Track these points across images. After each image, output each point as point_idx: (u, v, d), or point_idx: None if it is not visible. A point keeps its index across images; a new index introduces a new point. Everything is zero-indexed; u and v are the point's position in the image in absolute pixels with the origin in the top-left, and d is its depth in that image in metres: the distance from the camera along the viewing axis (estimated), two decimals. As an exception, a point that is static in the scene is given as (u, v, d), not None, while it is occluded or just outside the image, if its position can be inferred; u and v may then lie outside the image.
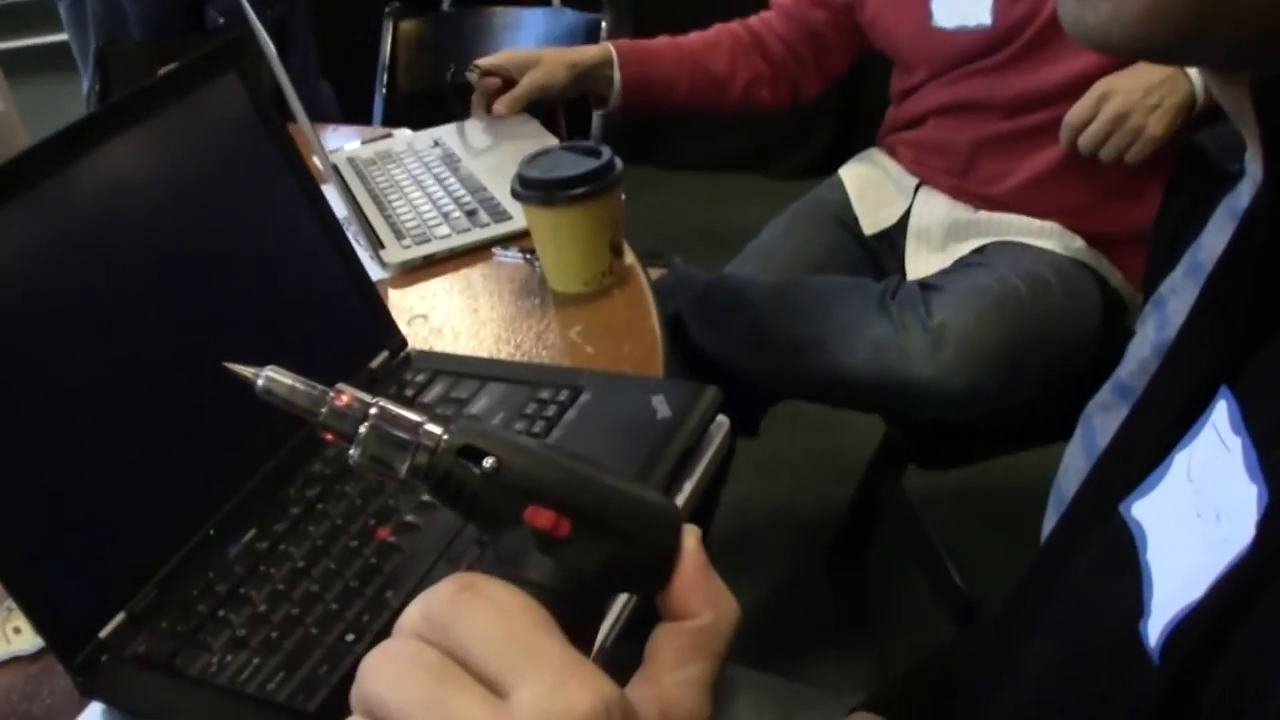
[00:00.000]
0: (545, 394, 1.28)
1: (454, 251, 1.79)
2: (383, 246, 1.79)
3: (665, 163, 4.26)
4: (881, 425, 2.59)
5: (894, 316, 2.02)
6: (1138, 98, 1.96)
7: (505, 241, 1.80)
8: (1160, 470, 0.69)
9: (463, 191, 1.95)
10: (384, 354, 1.38)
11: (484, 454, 0.58)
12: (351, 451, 0.58)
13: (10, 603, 1.17)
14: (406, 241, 1.81)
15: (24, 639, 1.15)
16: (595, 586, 0.59)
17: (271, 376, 0.60)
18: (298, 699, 0.97)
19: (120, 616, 1.07)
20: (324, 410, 0.59)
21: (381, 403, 0.59)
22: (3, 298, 1.04)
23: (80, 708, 1.05)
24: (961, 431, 2.25)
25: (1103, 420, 0.90)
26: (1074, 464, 0.92)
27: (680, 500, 1.17)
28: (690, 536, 0.62)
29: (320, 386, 0.59)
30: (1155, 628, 0.61)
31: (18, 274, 1.05)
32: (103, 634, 1.05)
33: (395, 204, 1.95)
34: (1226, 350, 0.67)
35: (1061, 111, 2.06)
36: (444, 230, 1.83)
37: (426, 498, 1.13)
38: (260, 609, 1.07)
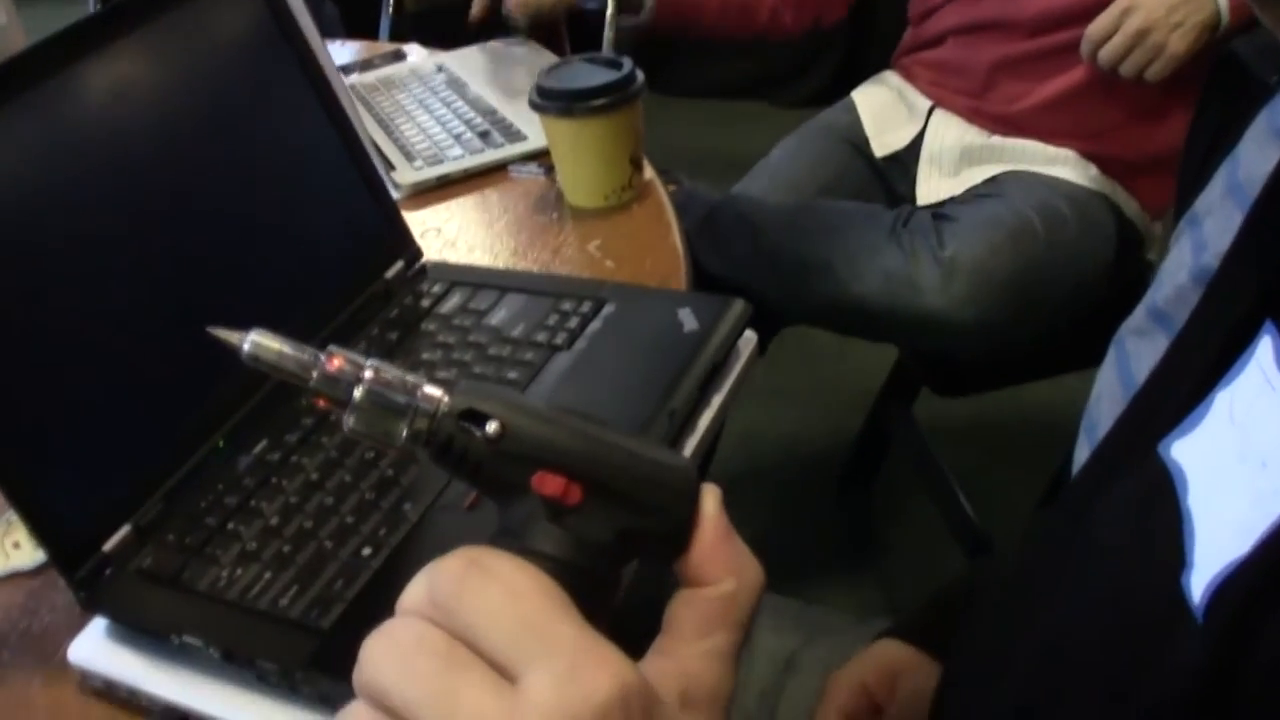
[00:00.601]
0: (568, 305, 1.23)
1: (468, 172, 1.74)
2: (393, 169, 1.74)
3: (670, 89, 4.17)
4: (891, 355, 2.57)
5: (905, 246, 1.99)
6: (1161, 15, 1.92)
7: (522, 160, 1.75)
8: (1201, 410, 0.65)
9: (473, 114, 1.90)
10: (399, 264, 1.32)
11: (487, 418, 0.55)
12: (346, 418, 0.56)
13: (10, 516, 1.14)
14: (418, 163, 1.76)
15: (23, 554, 1.12)
16: (610, 556, 0.56)
17: (258, 341, 0.57)
18: (311, 615, 0.93)
19: (125, 529, 1.02)
20: (315, 375, 0.56)
21: (376, 364, 0.56)
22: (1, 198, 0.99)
23: (82, 624, 1.00)
24: (975, 362, 2.23)
25: (1136, 346, 0.85)
26: (1108, 391, 0.88)
27: (708, 416, 1.13)
28: (710, 498, 0.59)
29: (310, 349, 0.57)
30: (1199, 583, 0.57)
31: (17, 175, 1.01)
32: (106, 547, 1.00)
33: (404, 128, 1.89)
34: (1272, 282, 0.64)
35: (1081, 32, 2.02)
36: (457, 151, 1.78)
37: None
38: (272, 522, 1.02)
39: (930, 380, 2.33)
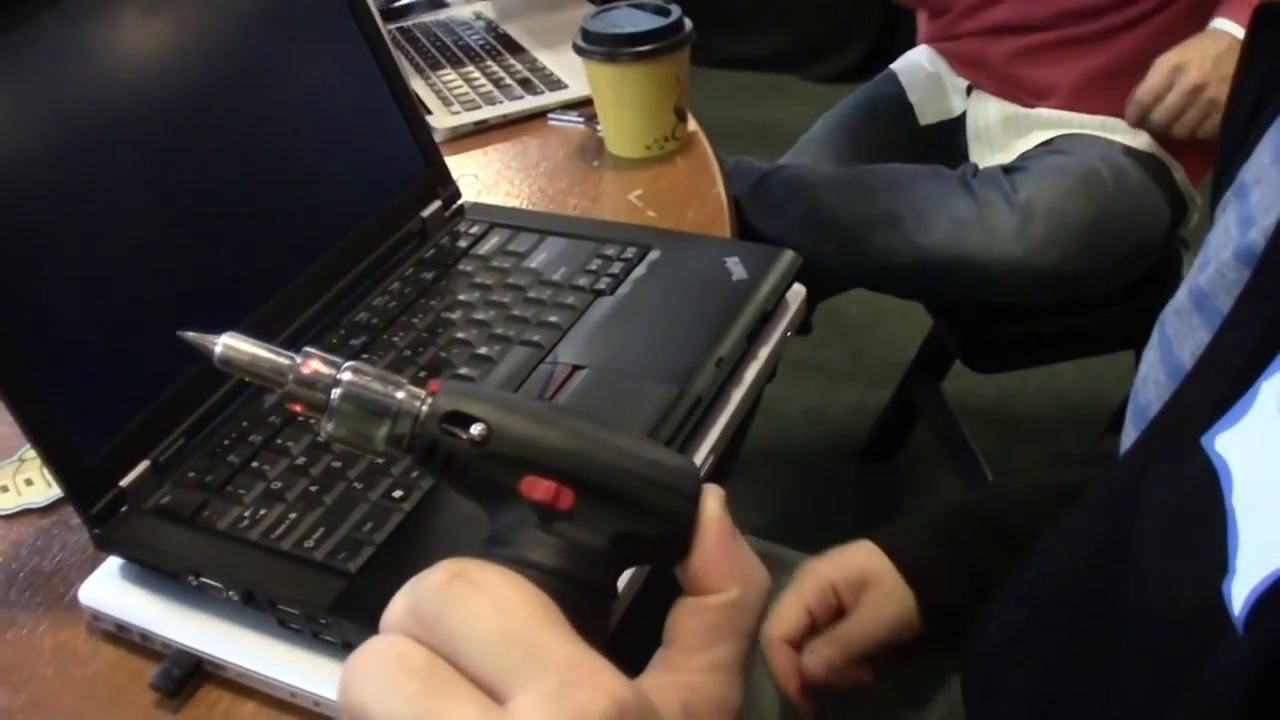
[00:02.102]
0: (611, 250, 1.19)
1: (507, 118, 1.69)
2: (430, 113, 1.69)
3: (702, 60, 4.12)
4: (921, 330, 2.52)
5: (976, 193, 1.95)
6: (1210, 68, 1.88)
7: (562, 109, 1.70)
8: (1246, 399, 0.61)
9: (513, 61, 1.85)
10: (436, 204, 1.28)
11: (472, 419, 0.52)
12: (324, 423, 0.53)
13: (24, 452, 1.10)
14: (456, 108, 1.72)
15: (36, 490, 1.08)
16: (605, 564, 0.53)
17: (229, 344, 0.55)
18: (338, 558, 0.88)
19: (144, 465, 0.97)
20: (290, 379, 0.53)
21: (354, 366, 0.53)
22: (23, 110, 0.95)
23: (95, 564, 0.96)
24: (1011, 333, 2.18)
25: (1178, 327, 0.81)
26: (1153, 374, 0.83)
27: (755, 368, 1.09)
28: (712, 499, 0.55)
29: (285, 352, 0.54)
30: (1241, 591, 0.53)
31: (53, 96, 0.97)
32: (123, 483, 0.95)
33: (441, 74, 1.85)
34: None
35: (1102, 25, 2.00)
36: (496, 97, 1.74)
37: (485, 350, 1.07)
38: (298, 461, 0.97)
39: (964, 353, 2.28)
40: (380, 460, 0.95)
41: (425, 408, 0.52)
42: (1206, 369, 0.72)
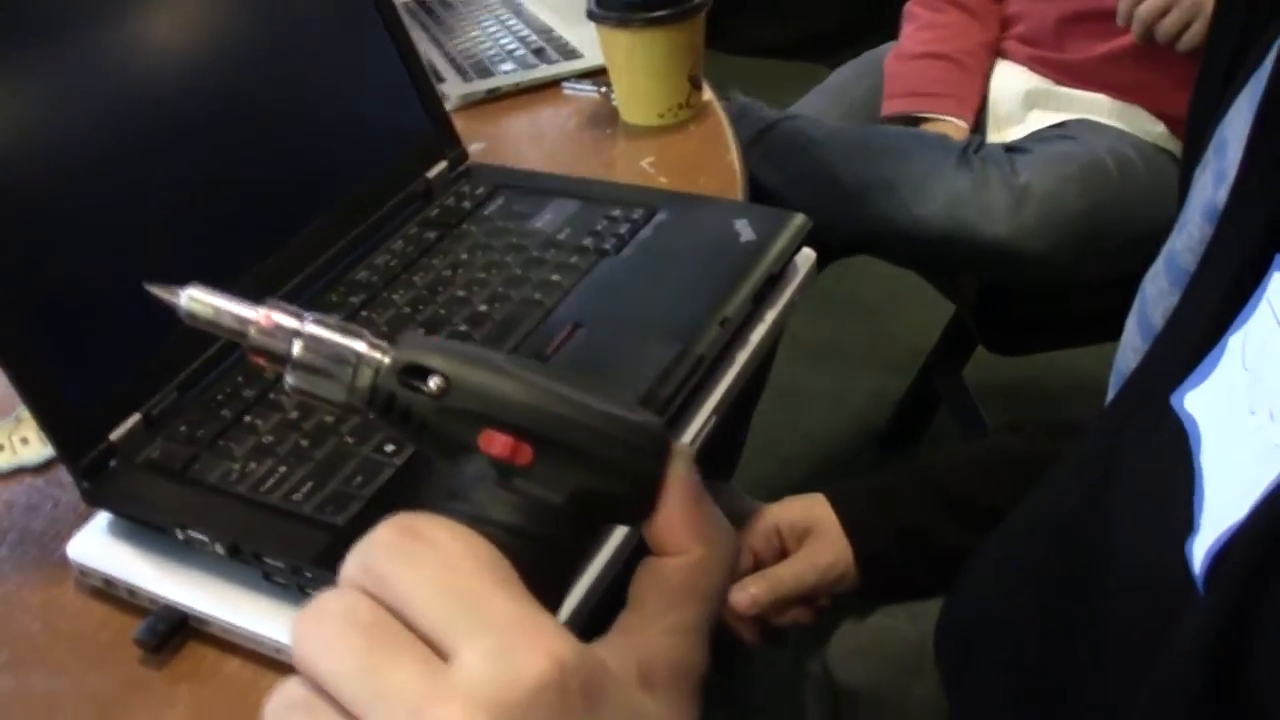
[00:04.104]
0: (617, 211, 1.17)
1: (520, 87, 1.67)
2: (442, 80, 1.67)
3: (723, 47, 4.12)
4: (941, 315, 2.49)
5: (975, 170, 1.93)
6: None
7: (576, 77, 1.68)
8: (1213, 355, 0.60)
9: (528, 31, 1.83)
10: (442, 165, 1.26)
11: (431, 372, 0.51)
12: (286, 376, 0.52)
13: (20, 411, 1.08)
14: (469, 76, 1.70)
15: (31, 449, 1.06)
16: (564, 522, 0.52)
17: (195, 296, 0.54)
18: (326, 511, 0.87)
19: (135, 418, 0.95)
20: (252, 331, 0.52)
21: (316, 318, 0.52)
22: (10, 65, 0.94)
23: (85, 520, 0.95)
24: (1033, 317, 2.17)
25: (1152, 291, 0.79)
26: (1130, 340, 0.83)
27: (761, 330, 1.07)
28: (680, 460, 0.53)
29: (249, 305, 0.53)
30: (1200, 549, 0.52)
31: (54, 53, 0.96)
32: (114, 436, 0.94)
33: (455, 42, 1.82)
34: None
35: None
36: (509, 66, 1.71)
37: (485, 308, 1.05)
38: (291, 415, 0.96)
39: (985, 335, 2.26)
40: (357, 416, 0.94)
41: (386, 360, 0.51)
42: (1175, 328, 0.71)
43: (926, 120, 2.15)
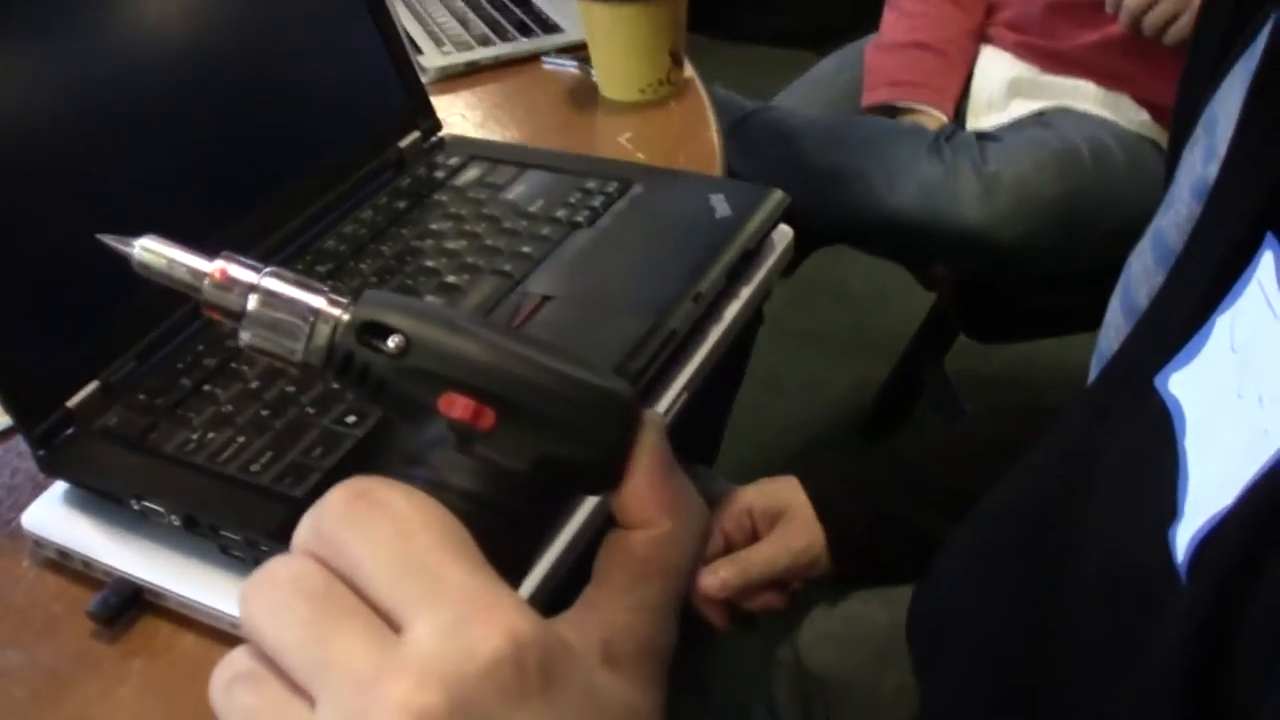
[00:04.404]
0: (592, 184, 1.15)
1: (499, 60, 1.65)
2: (420, 52, 1.65)
3: (718, 34, 4.16)
4: (924, 303, 2.48)
5: (946, 159, 1.92)
6: None
7: (557, 52, 1.66)
8: (1200, 336, 0.58)
9: (508, 3, 1.81)
10: (415, 134, 1.24)
11: (391, 331, 0.49)
12: (241, 332, 0.50)
13: (-24, 380, 1.05)
14: (447, 48, 1.67)
15: (-12, 418, 1.04)
16: (526, 490, 0.49)
17: (148, 247, 0.52)
18: (284, 483, 0.85)
19: (93, 385, 0.94)
20: (206, 285, 0.51)
21: (273, 271, 0.51)
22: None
23: (41, 491, 0.93)
24: (1015, 305, 2.16)
25: (1136, 270, 0.77)
26: (1113, 319, 0.82)
27: (736, 307, 1.06)
28: (650, 429, 0.51)
29: (203, 258, 0.51)
30: (1184, 537, 0.51)
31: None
32: (71, 403, 0.92)
33: (434, 13, 1.80)
34: (1273, 190, 0.57)
35: None
36: (490, 39, 1.69)
37: (454, 279, 1.03)
38: (252, 385, 0.94)
39: (967, 324, 2.25)
40: (335, 385, 0.92)
41: (345, 317, 0.49)
42: (1160, 308, 0.69)
43: (907, 111, 2.14)
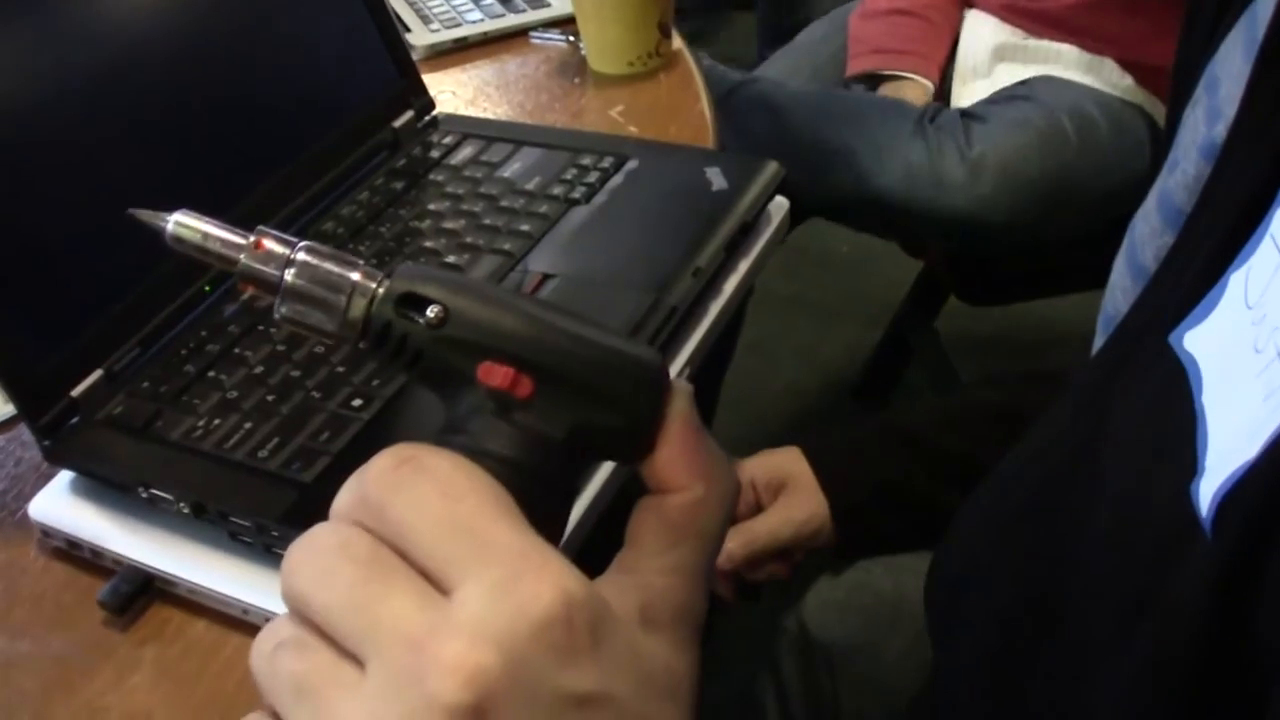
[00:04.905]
0: (587, 160, 1.15)
1: (487, 36, 1.65)
2: (409, 30, 1.65)
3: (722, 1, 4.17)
4: (913, 268, 2.49)
5: (930, 141, 1.92)
6: None
7: (544, 26, 1.66)
8: (1214, 293, 0.59)
9: (495, -22, 1.80)
10: (409, 114, 1.24)
11: (429, 302, 0.49)
12: (277, 305, 0.51)
13: (-23, 370, 1.05)
14: (435, 25, 1.67)
15: (-9, 407, 1.04)
16: (563, 457, 0.51)
17: (181, 221, 0.52)
18: (292, 468, 0.85)
19: (97, 374, 0.93)
20: (242, 258, 0.51)
21: (308, 245, 0.51)
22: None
23: (47, 480, 0.93)
24: (1007, 268, 2.17)
25: (1142, 231, 0.78)
26: (1118, 280, 0.82)
27: (735, 281, 1.06)
28: (680, 396, 0.52)
29: (239, 231, 0.51)
30: (1207, 491, 0.51)
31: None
32: (75, 393, 0.92)
33: (421, -8, 1.80)
34: None
35: None
36: (476, 15, 1.69)
37: (454, 258, 1.03)
38: (256, 370, 0.94)
39: (957, 287, 2.25)
40: (340, 369, 0.93)
41: (381, 289, 0.50)
42: (1172, 267, 0.70)
43: (891, 79, 2.14)
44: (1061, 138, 1.94)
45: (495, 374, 0.49)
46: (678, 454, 0.51)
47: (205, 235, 0.52)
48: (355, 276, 0.50)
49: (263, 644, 0.45)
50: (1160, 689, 0.53)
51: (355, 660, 0.43)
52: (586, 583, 0.43)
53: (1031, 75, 2.08)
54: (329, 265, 0.50)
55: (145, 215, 0.54)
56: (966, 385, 1.43)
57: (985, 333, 2.76)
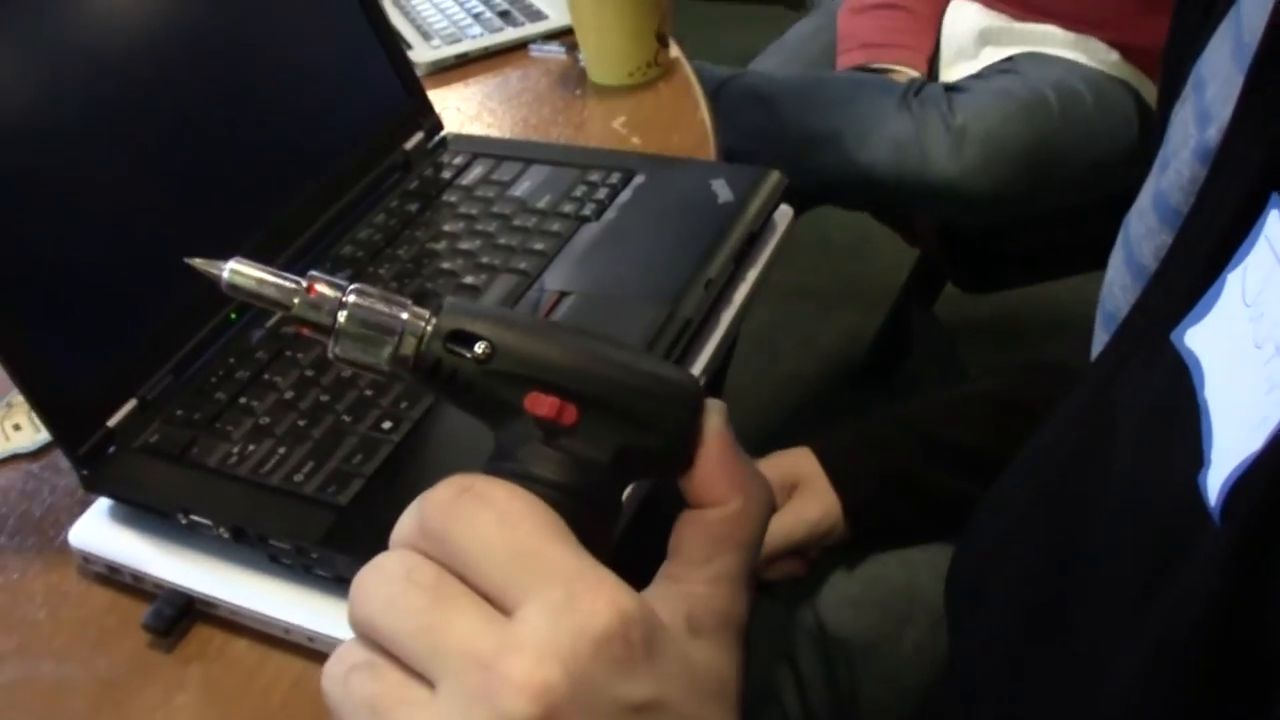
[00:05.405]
0: (595, 176, 1.17)
1: (488, 51, 1.67)
2: (410, 47, 1.67)
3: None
4: (909, 253, 2.52)
5: (915, 114, 1.95)
6: None
7: (543, 39, 1.68)
8: (1213, 292, 0.61)
9: (491, -7, 1.83)
10: (419, 135, 1.26)
11: (475, 338, 0.53)
12: (331, 345, 0.54)
13: (10, 398, 1.09)
14: (436, 42, 1.69)
15: (24, 436, 1.07)
16: (609, 479, 0.54)
17: (236, 269, 0.54)
18: (328, 491, 0.87)
19: (131, 404, 0.96)
20: (296, 302, 0.54)
21: (358, 288, 0.54)
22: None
23: (84, 506, 0.95)
24: (1001, 246, 2.18)
25: (1139, 229, 0.80)
26: (1116, 277, 0.83)
27: (744, 290, 1.08)
28: (715, 414, 0.56)
29: (291, 277, 0.54)
30: (1215, 482, 0.53)
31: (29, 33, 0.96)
32: (111, 423, 0.94)
33: (420, 8, 1.82)
34: (1277, 149, 0.58)
35: None
36: (476, 30, 1.71)
37: (471, 279, 1.06)
38: (286, 395, 0.96)
39: (955, 274, 2.27)
40: (368, 392, 0.95)
41: (429, 327, 0.53)
42: (1171, 266, 0.71)
43: (882, 71, 2.16)
44: (1044, 107, 1.96)
45: (542, 404, 0.52)
46: (716, 469, 0.55)
47: (260, 281, 0.54)
48: (404, 316, 0.53)
49: (334, 669, 0.48)
50: (1171, 673, 0.55)
51: (425, 681, 0.46)
52: (638, 597, 0.47)
53: (1017, 53, 2.11)
54: (379, 306, 0.53)
55: (201, 264, 0.56)
56: (971, 376, 1.44)
57: (986, 314, 2.78)
